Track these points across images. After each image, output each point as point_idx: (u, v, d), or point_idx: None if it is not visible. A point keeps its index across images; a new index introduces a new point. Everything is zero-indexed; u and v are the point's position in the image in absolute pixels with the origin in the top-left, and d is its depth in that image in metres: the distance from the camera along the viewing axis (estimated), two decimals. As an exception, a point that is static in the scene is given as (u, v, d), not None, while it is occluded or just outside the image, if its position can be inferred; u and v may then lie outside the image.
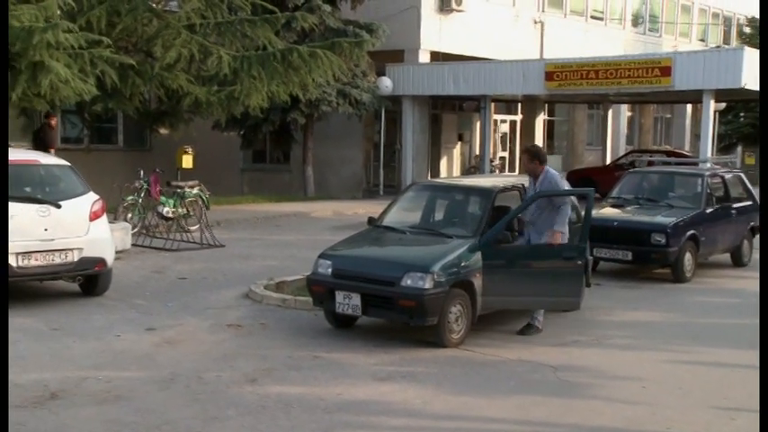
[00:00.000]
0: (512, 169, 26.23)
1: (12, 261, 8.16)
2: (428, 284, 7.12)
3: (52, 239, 8.40)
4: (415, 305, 7.13)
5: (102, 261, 8.82)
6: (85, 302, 8.87)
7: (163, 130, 17.66)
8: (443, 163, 24.46)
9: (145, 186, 13.40)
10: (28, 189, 8.72)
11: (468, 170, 24.61)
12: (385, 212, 8.72)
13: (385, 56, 20.25)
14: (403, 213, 8.81)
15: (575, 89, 19.77)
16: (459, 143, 25.26)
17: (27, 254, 8.26)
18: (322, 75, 15.32)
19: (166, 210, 13.24)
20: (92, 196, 8.94)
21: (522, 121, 26.67)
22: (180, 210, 13.37)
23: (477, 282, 7.53)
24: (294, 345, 7.48)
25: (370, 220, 8.68)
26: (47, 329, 7.74)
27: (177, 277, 10.37)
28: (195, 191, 13.63)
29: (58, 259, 8.46)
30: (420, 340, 7.57)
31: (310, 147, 20.69)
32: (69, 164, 9.20)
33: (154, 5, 14.60)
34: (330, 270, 7.66)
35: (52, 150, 14.26)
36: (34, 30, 11.27)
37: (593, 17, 28.13)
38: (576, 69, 19.27)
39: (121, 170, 16.66)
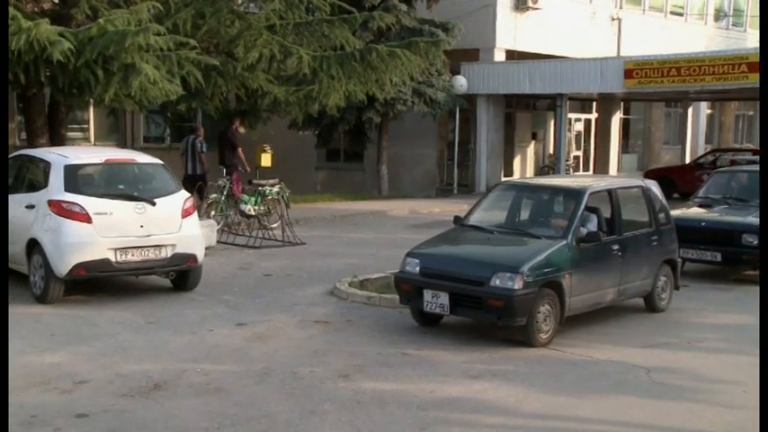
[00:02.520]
0: (586, 169, 25.85)
1: (110, 256, 8.48)
2: (517, 285, 7.12)
3: (148, 236, 8.68)
4: (504, 305, 7.13)
5: (193, 257, 9.07)
6: (177, 297, 9.14)
7: (241, 130, 18.01)
8: (517, 162, 24.27)
9: (228, 184, 13.69)
10: (123, 187, 9.05)
11: (541, 169, 24.36)
12: (471, 212, 8.71)
13: (460, 54, 20.21)
14: (489, 213, 8.80)
15: (655, 87, 19.34)
16: (533, 142, 25.02)
17: (124, 249, 8.56)
18: (400, 74, 15.39)
19: (248, 207, 13.50)
20: (183, 194, 9.21)
21: (597, 120, 26.25)
22: (261, 208, 13.62)
23: (566, 282, 7.49)
24: (382, 342, 7.55)
25: (456, 220, 8.66)
26: (143, 322, 8.01)
27: (262, 274, 10.58)
28: (276, 189, 13.86)
29: (152, 255, 8.74)
30: (507, 339, 7.55)
31: (385, 146, 20.80)
32: (162, 162, 9.49)
33: (235, 7, 14.91)
34: (418, 268, 7.69)
35: (239, 150, 15.28)
36: (127, 33, 11.63)
37: (672, 13, 27.47)
38: (657, 67, 18.86)
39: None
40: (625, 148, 27.26)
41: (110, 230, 8.47)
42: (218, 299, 9.10)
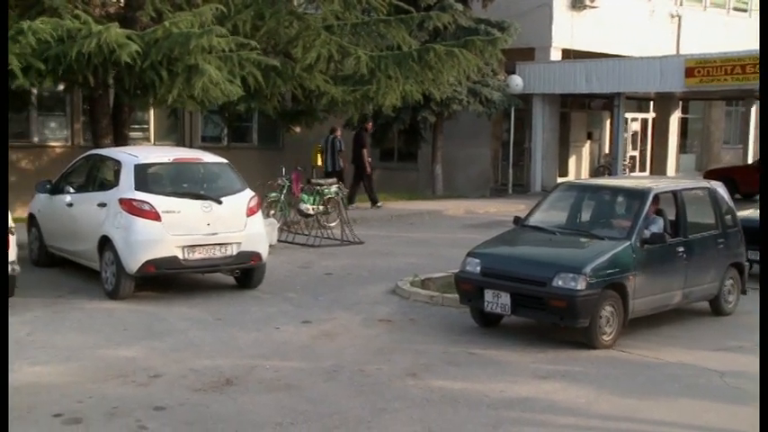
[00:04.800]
0: (642, 169, 25.47)
1: (178, 254, 8.66)
2: (580, 285, 7.05)
3: (214, 234, 8.84)
4: (567, 306, 7.07)
5: (257, 255, 9.20)
6: (242, 295, 9.28)
7: (298, 129, 18.20)
8: (572, 162, 24.03)
9: (287, 184, 13.84)
10: (190, 186, 9.23)
11: (597, 170, 24.07)
12: (532, 212, 8.65)
13: (515, 54, 20.08)
14: (550, 214, 8.71)
15: (718, 85, 18.95)
16: (589, 142, 24.74)
17: (192, 247, 8.73)
18: (457, 74, 15.36)
19: (306, 207, 13.62)
20: (248, 193, 9.34)
21: (654, 120, 25.83)
22: (319, 207, 13.74)
23: (630, 284, 7.39)
24: (447, 341, 7.57)
25: (517, 220, 8.61)
26: (211, 319, 8.16)
27: (323, 272, 10.68)
28: (334, 188, 13.96)
29: (218, 253, 8.89)
30: (571, 340, 7.49)
31: (439, 145, 20.78)
32: (227, 161, 9.64)
33: (294, 8, 15.05)
34: (479, 268, 7.68)
35: (366, 151, 16.81)
36: (191, 35, 11.84)
37: (735, 9, 26.85)
38: (720, 65, 18.47)
39: (256, 168, 17.25)
40: (683, 148, 26.76)
41: (178, 228, 8.65)
42: (282, 296, 9.22)
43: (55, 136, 17.45)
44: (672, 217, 8.27)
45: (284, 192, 13.76)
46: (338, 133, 17.08)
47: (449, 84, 16.78)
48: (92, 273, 9.26)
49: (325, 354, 7.11)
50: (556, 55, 21.65)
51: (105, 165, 9.56)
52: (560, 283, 7.12)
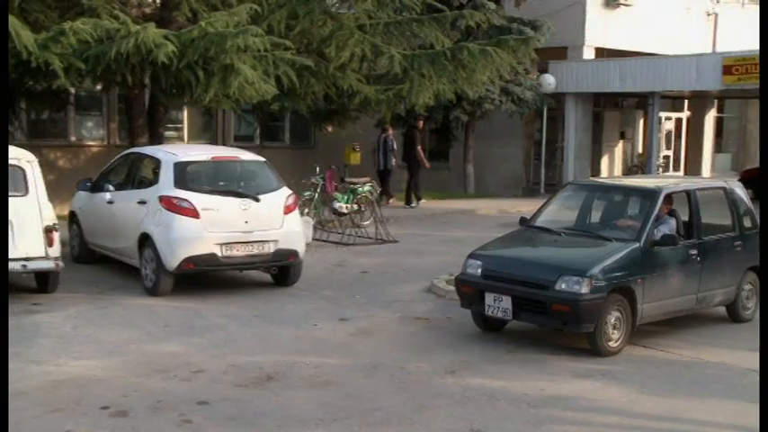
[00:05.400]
0: (676, 169, 25.17)
1: (217, 251, 8.74)
2: (584, 289, 6.76)
3: (252, 231, 8.91)
4: (570, 310, 6.78)
5: (294, 253, 9.25)
6: (279, 292, 9.35)
7: (330, 128, 18.27)
8: (604, 161, 23.81)
9: (321, 182, 13.90)
10: (228, 183, 9.31)
11: (630, 169, 23.84)
12: (538, 212, 8.32)
13: (548, 53, 19.95)
14: (558, 214, 8.39)
15: (756, 83, 18.65)
16: (621, 141, 24.50)
17: (230, 245, 8.80)
18: (490, 73, 15.32)
19: (340, 205, 13.68)
20: (285, 191, 9.41)
21: (688, 119, 25.52)
22: (353, 206, 13.79)
23: (639, 288, 7.08)
24: (485, 339, 7.57)
25: (523, 221, 8.32)
26: (250, 316, 8.23)
27: (359, 271, 10.72)
28: (367, 187, 14.01)
29: (256, 250, 8.96)
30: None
31: (471, 145, 20.74)
32: (265, 159, 9.72)
33: (327, 7, 15.11)
34: (480, 270, 7.40)
35: (419, 148, 17.45)
36: (227, 35, 11.94)
37: (774, 6, 26.42)
38: (759, 62, 18.16)
39: (288, 167, 17.33)
40: (718, 147, 26.41)
41: (216, 226, 8.73)
42: (319, 294, 9.26)
43: (91, 135, 17.69)
44: (685, 218, 7.93)
45: (318, 190, 13.82)
46: (390, 132, 17.55)
47: (482, 83, 16.74)
48: (131, 270, 9.39)
49: (363, 351, 7.14)
50: (589, 54, 21.48)
51: (145, 163, 9.69)
52: (563, 286, 6.83)
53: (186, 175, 8.94)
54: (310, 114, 16.77)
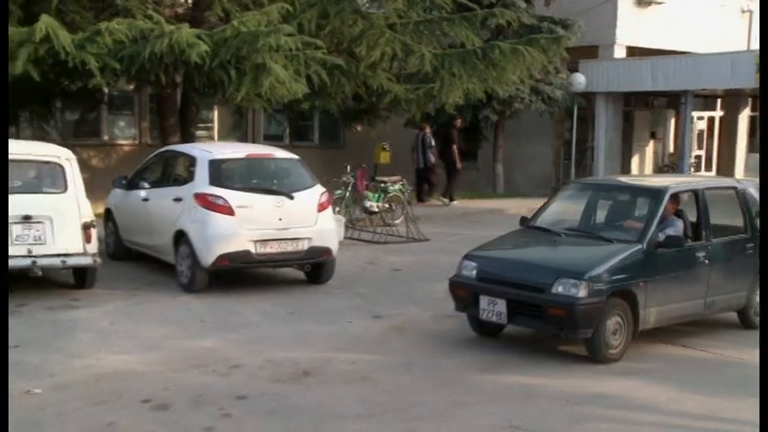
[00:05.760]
0: (708, 168, 24.88)
1: (251, 248, 8.78)
2: (582, 293, 6.45)
3: (286, 229, 8.95)
4: (567, 315, 6.47)
5: (328, 250, 9.28)
6: (312, 290, 9.38)
7: (359, 128, 18.30)
8: (635, 161, 23.59)
9: (352, 181, 13.93)
10: (263, 181, 9.36)
11: (661, 169, 23.60)
12: (539, 212, 8.05)
13: (578, 52, 19.81)
14: (559, 214, 8.12)
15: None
16: (652, 141, 24.26)
17: (264, 242, 8.85)
18: (521, 72, 15.26)
19: (371, 204, 13.70)
20: (319, 188, 9.43)
21: (721, 118, 25.21)
22: (383, 204, 13.80)
23: (641, 291, 6.77)
24: (518, 338, 7.53)
25: (523, 220, 8.07)
26: (284, 312, 8.27)
27: (391, 269, 10.73)
28: (398, 186, 14.01)
29: (290, 247, 8.99)
30: (647, 335, 7.35)
31: (501, 144, 20.66)
32: (298, 157, 9.76)
33: (358, 6, 15.13)
34: (475, 272, 7.14)
35: (454, 146, 17.73)
36: (259, 34, 12.01)
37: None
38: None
39: (317, 166, 17.29)
40: (752, 146, 26.03)
41: (251, 223, 8.78)
42: (352, 291, 9.28)
43: (123, 134, 17.88)
44: (693, 219, 7.60)
45: (349, 189, 13.85)
46: (428, 130, 17.69)
47: (512, 82, 16.67)
48: (165, 266, 9.47)
49: (398, 348, 7.15)
50: (620, 52, 21.30)
51: (180, 160, 9.77)
52: (560, 289, 6.53)
53: (221, 173, 8.99)
54: (340, 114, 16.82)
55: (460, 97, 15.16)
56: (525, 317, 6.82)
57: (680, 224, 7.40)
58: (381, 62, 14.47)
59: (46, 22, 10.50)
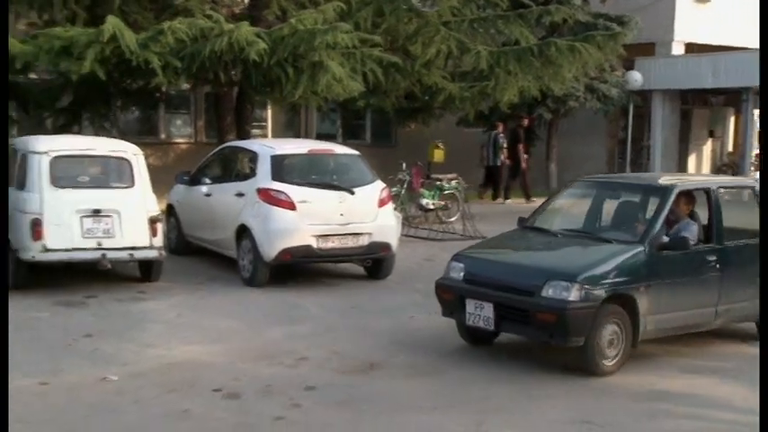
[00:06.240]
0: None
1: (312, 243, 8.85)
2: (573, 296, 5.92)
3: (346, 224, 8.99)
4: (556, 320, 5.95)
5: (388, 246, 9.31)
6: (372, 285, 9.42)
7: (413, 126, 18.33)
8: (692, 161, 23.16)
9: (407, 179, 13.95)
10: (323, 176, 9.42)
11: (719, 169, 23.13)
12: (538, 211, 7.58)
13: (634, 49, 19.51)
14: (559, 213, 7.72)
15: None
16: (710, 140, 23.80)
17: (325, 237, 8.91)
18: (578, 70, 15.11)
19: (427, 202, 13.70)
20: (379, 184, 9.46)
21: (782, 116, 24.57)
22: (439, 202, 13.79)
23: (641, 297, 6.22)
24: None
25: (521, 220, 7.56)
26: (347, 307, 8.31)
27: (449, 265, 10.69)
28: (453, 184, 13.98)
29: (351, 243, 9.04)
30: (718, 333, 7.21)
31: (554, 143, 20.48)
32: (359, 153, 9.80)
33: (413, 4, 15.14)
34: (462, 274, 6.62)
35: (520, 146, 17.93)
36: (316, 32, 12.10)
37: None
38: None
39: (369, 165, 17.46)
40: (814, 145, 25.34)
41: (312, 218, 8.84)
42: (411, 287, 9.28)
43: (180, 133, 18.17)
44: (704, 220, 7.07)
45: (405, 186, 13.87)
46: (500, 129, 17.77)
47: (568, 80, 16.51)
48: (227, 261, 9.59)
49: (462, 342, 7.11)
50: (678, 49, 20.93)
51: (242, 156, 9.90)
52: (550, 292, 6.00)
53: (283, 168, 9.08)
54: (395, 112, 16.86)
55: (515, 95, 15.07)
56: (514, 323, 6.29)
57: (694, 227, 6.89)
58: (436, 60, 14.46)
59: (113, 23, 10.75)
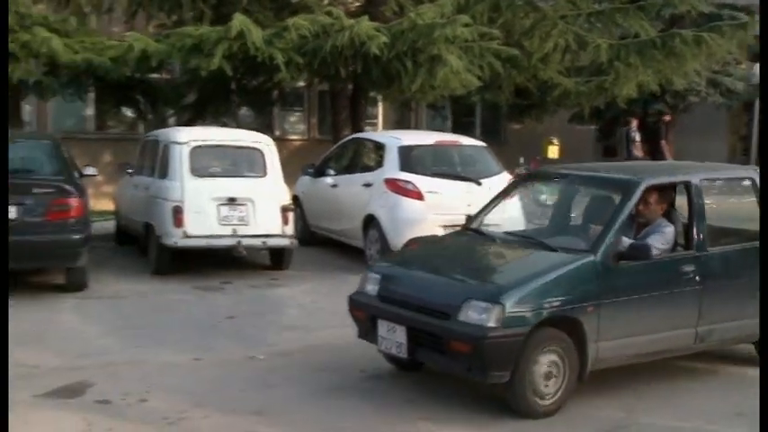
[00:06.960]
0: None
1: (439, 233, 8.77)
2: (492, 321, 4.69)
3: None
4: (472, 351, 4.72)
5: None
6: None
7: (526, 122, 18.13)
8: (820, 158, 21.96)
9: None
10: (448, 167, 9.44)
11: None
12: (484, 209, 6.41)
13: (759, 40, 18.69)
14: (510, 212, 6.98)
15: None
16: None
17: (452, 227, 8.78)
18: (703, 62, 14.59)
19: (544, 197, 13.46)
20: (506, 176, 9.41)
21: None
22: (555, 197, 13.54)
23: (590, 319, 4.96)
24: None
25: (468, 220, 6.37)
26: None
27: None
28: (571, 179, 13.69)
29: (477, 234, 8.98)
30: None
31: (672, 140, 19.82)
32: (485, 145, 9.75)
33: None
34: (377, 289, 5.44)
35: (663, 142, 18.10)
36: (435, 25, 12.11)
37: None
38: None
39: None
40: None
41: (439, 208, 8.86)
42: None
43: (294, 130, 18.59)
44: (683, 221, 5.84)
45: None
46: (633, 125, 17.89)
47: (686, 74, 15.96)
48: (352, 251, 9.71)
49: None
50: (807, 40, 19.88)
51: (369, 148, 10.03)
52: (468, 315, 4.80)
53: (410, 159, 9.14)
54: (508, 108, 16.72)
55: (634, 90, 14.68)
56: (428, 350, 5.05)
57: (668, 230, 5.66)
58: (554, 54, 14.25)
59: (240, 20, 11.10)
